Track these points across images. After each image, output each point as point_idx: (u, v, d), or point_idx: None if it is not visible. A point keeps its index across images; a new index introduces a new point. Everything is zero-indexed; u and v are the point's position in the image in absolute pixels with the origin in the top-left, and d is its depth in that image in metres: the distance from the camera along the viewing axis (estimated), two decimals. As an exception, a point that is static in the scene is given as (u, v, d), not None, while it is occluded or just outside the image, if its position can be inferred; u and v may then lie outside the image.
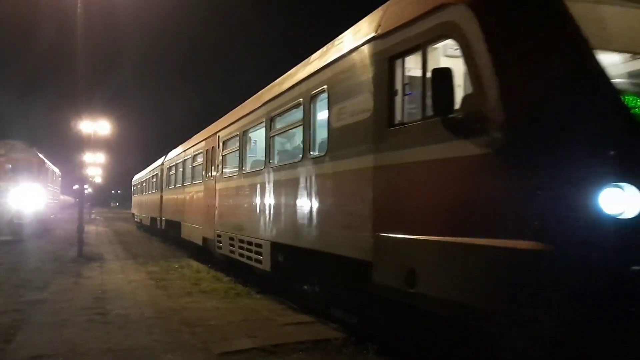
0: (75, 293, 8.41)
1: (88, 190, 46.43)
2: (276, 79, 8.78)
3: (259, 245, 8.28)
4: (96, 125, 32.64)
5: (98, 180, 63.05)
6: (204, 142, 12.85)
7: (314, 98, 6.55)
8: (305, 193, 6.60)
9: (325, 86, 6.13)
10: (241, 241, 9.27)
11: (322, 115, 6.47)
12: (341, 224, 5.61)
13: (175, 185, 16.94)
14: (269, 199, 7.95)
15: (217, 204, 11.18)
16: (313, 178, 6.40)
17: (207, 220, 11.82)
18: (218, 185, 11.18)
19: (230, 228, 10.18)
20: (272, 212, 7.81)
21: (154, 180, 22.67)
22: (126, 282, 9.64)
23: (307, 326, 6.41)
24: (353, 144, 5.36)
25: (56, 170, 27.43)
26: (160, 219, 20.04)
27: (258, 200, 8.49)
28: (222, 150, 11.09)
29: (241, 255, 9.24)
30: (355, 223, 5.26)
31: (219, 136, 11.36)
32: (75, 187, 36.51)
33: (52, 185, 24.98)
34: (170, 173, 18.01)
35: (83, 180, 17.66)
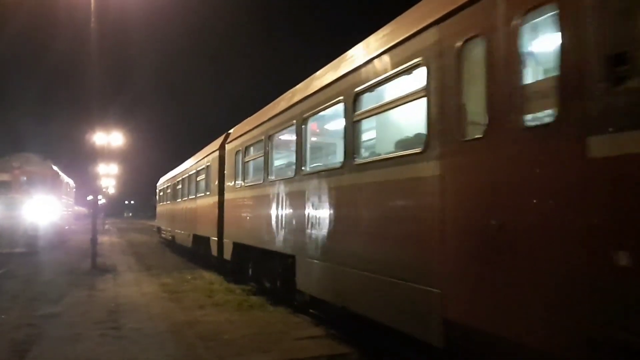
0: (89, 306, 8.40)
1: (101, 201, 46.88)
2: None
3: None
4: (110, 137, 33.06)
5: (111, 191, 63.67)
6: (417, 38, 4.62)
7: None
8: None
9: None
10: None
11: None
12: None
13: (268, 180, 8.81)
14: None
15: None
16: None
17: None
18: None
19: None
20: None
21: (201, 178, 15.15)
22: (140, 295, 9.62)
23: (321, 340, 6.33)
24: None
25: (70, 181, 27.66)
26: (220, 241, 12.18)
27: None
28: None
29: None
30: None
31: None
32: (89, 198, 36.83)
33: (66, 197, 25.18)
34: (247, 160, 10.38)
35: (97, 192, 17.69)
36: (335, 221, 6.14)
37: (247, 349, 5.86)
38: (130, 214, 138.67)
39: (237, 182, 10.95)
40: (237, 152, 11.06)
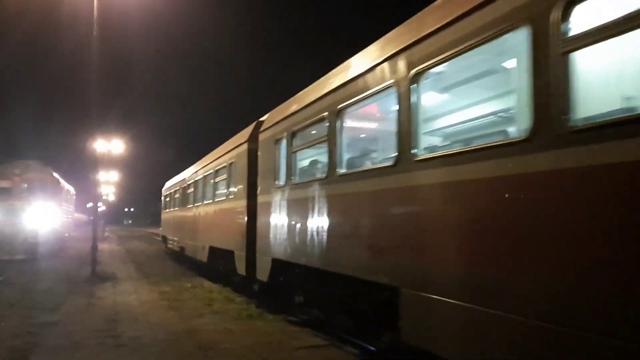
0: (88, 314, 8.37)
1: (101, 208, 46.87)
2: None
3: None
4: (110, 145, 33.12)
5: (111, 198, 63.62)
6: None
7: None
8: None
9: None
10: None
11: None
12: None
13: (336, 174, 6.27)
14: None
15: None
16: None
17: None
18: None
19: None
20: None
21: (221, 179, 12.57)
22: (139, 303, 9.59)
23: (321, 350, 6.30)
24: None
25: (70, 188, 27.69)
26: (250, 257, 9.52)
27: None
28: None
29: None
30: None
31: None
32: (89, 205, 36.86)
33: (66, 204, 25.20)
34: (295, 149, 7.75)
35: (97, 199, 17.64)
36: (507, 235, 3.55)
37: (246, 359, 5.84)
38: (130, 222, 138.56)
39: (278, 180, 8.29)
40: (277, 142, 8.39)
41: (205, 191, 14.73)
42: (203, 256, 13.96)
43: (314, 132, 7.18)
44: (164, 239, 24.53)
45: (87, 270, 13.88)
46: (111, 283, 12.46)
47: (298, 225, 7.34)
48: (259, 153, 9.54)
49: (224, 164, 12.22)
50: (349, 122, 6.44)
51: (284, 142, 8.14)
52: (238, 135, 11.66)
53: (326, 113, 6.51)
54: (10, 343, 6.39)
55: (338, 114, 6.21)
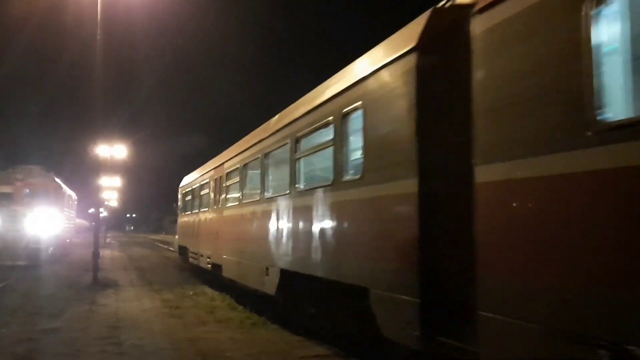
0: (90, 321, 8.32)
1: (103, 213, 46.87)
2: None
3: None
4: (112, 150, 33.20)
5: (113, 203, 63.68)
6: None
7: None
8: None
9: None
10: None
11: None
12: None
13: None
14: None
15: None
16: None
17: None
18: None
19: None
20: None
21: (322, 142, 6.77)
22: (141, 310, 9.53)
23: (325, 359, 6.24)
24: None
25: (72, 194, 27.67)
26: (423, 304, 4.27)
27: None
28: None
29: None
30: None
31: None
32: (91, 210, 36.86)
33: (68, 209, 25.17)
34: None
35: (99, 206, 17.64)
36: None
37: (249, 368, 5.78)
38: (132, 228, 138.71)
39: (602, 108, 2.80)
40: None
41: (268, 179, 9.47)
42: (264, 284, 9.17)
43: None
44: (183, 250, 19.15)
45: (89, 277, 13.84)
46: (113, 290, 12.41)
47: None
48: (475, 62, 3.82)
49: (326, 120, 6.59)
50: None
51: None
52: (377, 48, 5.71)
53: None
54: (11, 350, 6.34)
55: None
